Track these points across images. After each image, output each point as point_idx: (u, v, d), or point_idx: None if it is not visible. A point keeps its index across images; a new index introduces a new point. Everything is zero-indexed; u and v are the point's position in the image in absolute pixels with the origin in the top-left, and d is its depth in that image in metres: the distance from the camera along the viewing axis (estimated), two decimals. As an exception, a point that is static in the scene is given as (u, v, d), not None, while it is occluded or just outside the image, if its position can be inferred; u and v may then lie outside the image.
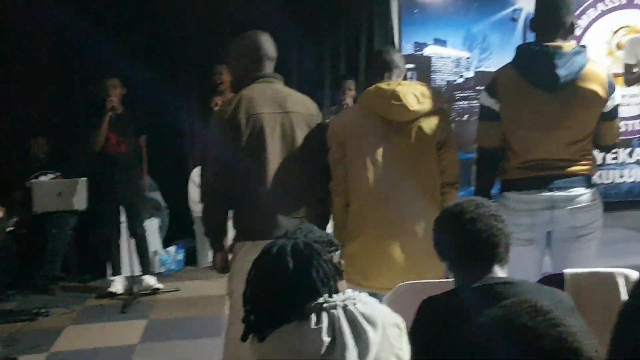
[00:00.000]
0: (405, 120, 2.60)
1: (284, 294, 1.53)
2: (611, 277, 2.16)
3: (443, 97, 2.71)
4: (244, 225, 2.62)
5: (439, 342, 1.51)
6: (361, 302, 1.56)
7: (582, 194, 2.58)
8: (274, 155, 2.61)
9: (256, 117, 2.59)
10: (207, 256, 5.70)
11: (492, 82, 2.67)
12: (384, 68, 2.71)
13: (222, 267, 2.74)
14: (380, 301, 2.16)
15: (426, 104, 2.60)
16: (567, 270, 2.18)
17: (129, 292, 4.82)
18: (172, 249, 5.65)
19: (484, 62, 6.63)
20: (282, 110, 2.64)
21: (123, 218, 4.94)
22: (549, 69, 2.50)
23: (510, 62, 2.66)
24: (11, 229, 4.23)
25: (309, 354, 1.47)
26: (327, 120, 4.96)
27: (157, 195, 5.59)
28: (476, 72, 6.39)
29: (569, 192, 2.57)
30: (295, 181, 2.64)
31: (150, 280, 5.01)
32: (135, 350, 3.87)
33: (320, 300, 1.52)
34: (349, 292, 1.60)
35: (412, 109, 2.57)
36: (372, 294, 2.53)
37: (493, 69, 6.28)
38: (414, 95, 2.60)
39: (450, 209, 1.77)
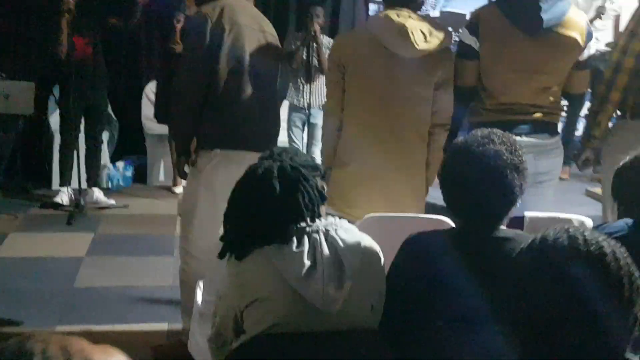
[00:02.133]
0: (409, 57, 2.53)
1: (268, 216, 1.53)
2: (569, 222, 2.25)
3: (451, 36, 2.63)
4: (215, 131, 2.62)
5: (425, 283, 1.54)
6: (342, 228, 1.58)
7: (547, 140, 2.63)
8: (251, 70, 2.66)
9: (239, 27, 2.62)
10: (159, 175, 5.61)
11: (473, 20, 2.65)
12: None
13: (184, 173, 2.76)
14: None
15: (433, 43, 2.52)
16: (528, 213, 2.24)
17: (75, 204, 4.70)
18: (120, 164, 5.52)
19: (449, 3, 6.62)
20: (259, 28, 2.73)
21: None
22: (534, 11, 2.48)
23: (493, 2, 2.64)
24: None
25: (289, 275, 1.48)
26: (292, 48, 4.90)
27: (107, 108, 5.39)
28: (442, 13, 6.38)
29: (535, 137, 2.61)
30: (265, 98, 2.73)
31: (97, 194, 4.90)
32: (82, 263, 3.83)
33: (304, 224, 1.53)
34: (331, 218, 1.61)
35: (418, 47, 2.49)
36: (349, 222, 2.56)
37: (460, 10, 6.18)
38: (422, 32, 2.50)
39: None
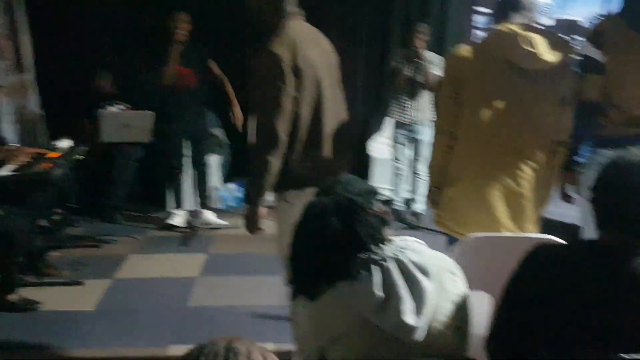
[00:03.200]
0: (532, 69, 2.42)
1: (331, 253, 1.50)
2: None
3: (572, 50, 2.48)
4: (306, 171, 2.52)
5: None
6: (412, 250, 1.52)
7: None
8: (329, 100, 2.58)
9: (311, 62, 2.51)
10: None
11: (596, 33, 2.53)
12: (517, 6, 2.47)
13: (256, 226, 2.63)
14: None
15: (557, 55, 2.41)
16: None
17: (188, 225, 4.90)
18: (232, 186, 5.70)
19: (566, 10, 6.33)
20: (324, 52, 2.63)
21: (187, 152, 5.01)
22: None
23: (617, 12, 2.52)
24: (81, 157, 4.30)
25: (363, 309, 1.44)
26: (394, 64, 4.85)
27: (219, 132, 5.60)
28: (557, 21, 6.11)
29: None
30: (343, 126, 2.65)
31: (209, 216, 5.08)
32: (195, 283, 3.96)
33: (370, 253, 1.49)
34: (399, 241, 1.55)
35: (542, 58, 2.38)
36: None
37: (576, 18, 5.84)
38: (546, 43, 2.40)
39: None
